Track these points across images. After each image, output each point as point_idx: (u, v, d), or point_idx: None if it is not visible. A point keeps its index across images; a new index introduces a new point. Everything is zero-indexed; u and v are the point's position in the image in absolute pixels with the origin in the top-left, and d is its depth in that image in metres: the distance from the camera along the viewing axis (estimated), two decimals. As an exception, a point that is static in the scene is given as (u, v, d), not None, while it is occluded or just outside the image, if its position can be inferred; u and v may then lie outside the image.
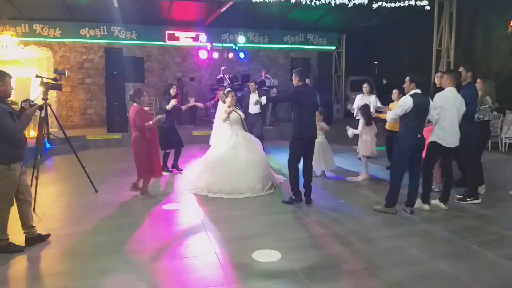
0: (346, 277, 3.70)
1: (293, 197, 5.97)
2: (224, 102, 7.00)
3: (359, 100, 8.68)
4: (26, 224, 4.45)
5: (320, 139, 7.09)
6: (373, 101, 8.50)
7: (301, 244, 4.41)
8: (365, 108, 7.41)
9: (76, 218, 5.35)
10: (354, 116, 8.59)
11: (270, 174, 6.86)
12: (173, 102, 7.54)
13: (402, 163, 5.37)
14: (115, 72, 11.68)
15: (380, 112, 7.78)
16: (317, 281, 3.59)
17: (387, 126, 7.90)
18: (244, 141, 6.60)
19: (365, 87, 8.65)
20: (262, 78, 14.26)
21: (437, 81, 6.42)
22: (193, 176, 6.96)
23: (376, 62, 21.11)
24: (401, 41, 17.46)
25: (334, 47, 16.19)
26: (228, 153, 6.44)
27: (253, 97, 9.23)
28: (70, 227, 4.96)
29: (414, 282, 3.61)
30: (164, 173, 7.50)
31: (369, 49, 19.67)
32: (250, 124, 8.57)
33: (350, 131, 7.27)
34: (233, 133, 6.65)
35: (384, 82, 17.20)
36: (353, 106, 8.80)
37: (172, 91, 7.72)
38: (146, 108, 6.41)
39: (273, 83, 13.88)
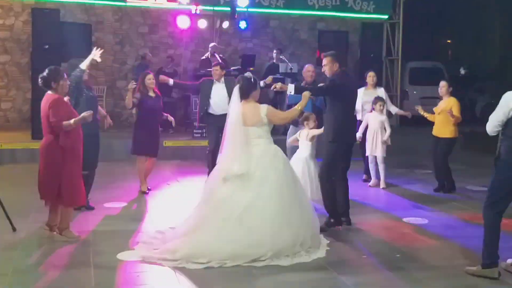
0: None
1: (332, 220, 6.75)
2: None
3: (363, 95, 9.30)
4: None
5: (305, 153, 7.75)
6: (382, 95, 9.40)
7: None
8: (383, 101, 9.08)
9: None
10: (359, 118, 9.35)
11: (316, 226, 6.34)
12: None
13: (500, 200, 5.28)
14: (46, 46, 11.73)
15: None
16: None
17: (434, 132, 8.93)
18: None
19: (371, 76, 9.41)
20: (274, 60, 14.37)
21: None
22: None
23: (449, 41, 21.22)
24: (490, 9, 17.54)
25: (386, 16, 16.28)
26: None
27: (218, 87, 9.33)
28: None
29: None
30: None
31: (440, 20, 19.78)
32: (215, 130, 8.92)
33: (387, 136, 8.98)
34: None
35: (462, 71, 17.24)
36: (356, 107, 8.87)
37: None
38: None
39: (291, 69, 13.92)
